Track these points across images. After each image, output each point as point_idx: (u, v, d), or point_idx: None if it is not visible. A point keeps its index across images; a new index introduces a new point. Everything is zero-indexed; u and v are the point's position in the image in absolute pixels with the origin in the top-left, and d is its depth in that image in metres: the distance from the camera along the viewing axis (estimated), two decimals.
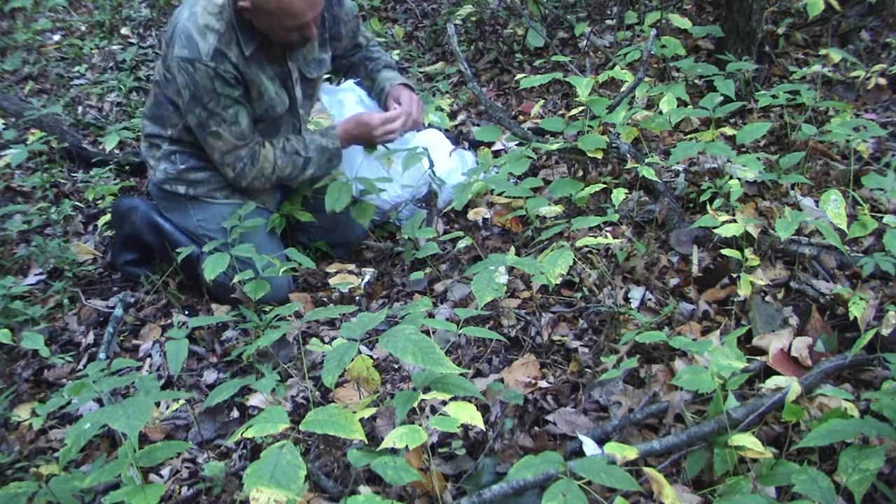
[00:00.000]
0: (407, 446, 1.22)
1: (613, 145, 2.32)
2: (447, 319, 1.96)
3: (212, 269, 2.04)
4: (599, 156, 2.26)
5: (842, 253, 1.88)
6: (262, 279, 2.05)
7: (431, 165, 2.40)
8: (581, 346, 1.85)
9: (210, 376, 2.06)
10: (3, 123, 3.43)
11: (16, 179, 3.13)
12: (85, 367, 2.11)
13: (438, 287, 2.17)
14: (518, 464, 1.25)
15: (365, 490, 1.38)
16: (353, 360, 1.44)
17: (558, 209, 2.07)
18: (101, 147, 3.31)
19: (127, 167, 3.11)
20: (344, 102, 2.55)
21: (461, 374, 1.39)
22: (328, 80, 2.76)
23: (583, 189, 2.19)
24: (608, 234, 2.07)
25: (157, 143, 2.34)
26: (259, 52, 2.16)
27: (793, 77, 2.74)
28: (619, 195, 2.03)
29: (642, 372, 1.73)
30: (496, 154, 2.80)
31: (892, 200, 2.12)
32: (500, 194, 2.42)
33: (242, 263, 2.09)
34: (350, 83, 2.62)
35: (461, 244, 2.11)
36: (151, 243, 2.41)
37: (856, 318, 1.69)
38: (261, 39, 2.14)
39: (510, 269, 1.79)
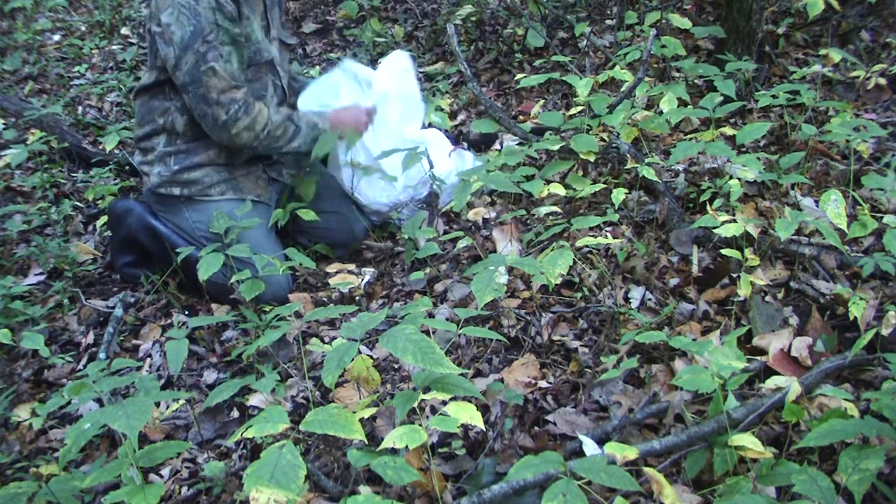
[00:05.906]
0: (407, 446, 1.22)
1: (613, 145, 2.32)
2: (447, 319, 1.96)
3: (205, 269, 2.01)
4: (591, 158, 2.26)
5: (842, 253, 1.88)
6: (259, 279, 2.04)
7: (431, 166, 2.40)
8: (581, 346, 1.85)
9: (210, 376, 2.06)
10: (3, 123, 3.43)
11: (16, 179, 3.13)
12: (85, 367, 2.11)
13: (438, 287, 2.17)
14: (518, 464, 1.25)
15: (365, 490, 1.38)
16: (353, 360, 1.43)
17: (557, 208, 2.07)
18: (101, 147, 3.31)
19: (127, 167, 3.11)
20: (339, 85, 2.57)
21: (461, 374, 1.39)
22: None
23: (583, 189, 2.19)
24: (608, 234, 2.07)
25: (151, 144, 2.37)
26: None
27: (793, 77, 2.74)
28: (619, 195, 2.03)
29: (642, 372, 1.73)
30: None
31: (892, 200, 2.11)
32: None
33: (242, 263, 2.08)
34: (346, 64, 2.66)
35: (461, 244, 2.11)
36: (148, 246, 2.40)
37: (856, 318, 1.68)
38: None
39: (510, 269, 1.79)
